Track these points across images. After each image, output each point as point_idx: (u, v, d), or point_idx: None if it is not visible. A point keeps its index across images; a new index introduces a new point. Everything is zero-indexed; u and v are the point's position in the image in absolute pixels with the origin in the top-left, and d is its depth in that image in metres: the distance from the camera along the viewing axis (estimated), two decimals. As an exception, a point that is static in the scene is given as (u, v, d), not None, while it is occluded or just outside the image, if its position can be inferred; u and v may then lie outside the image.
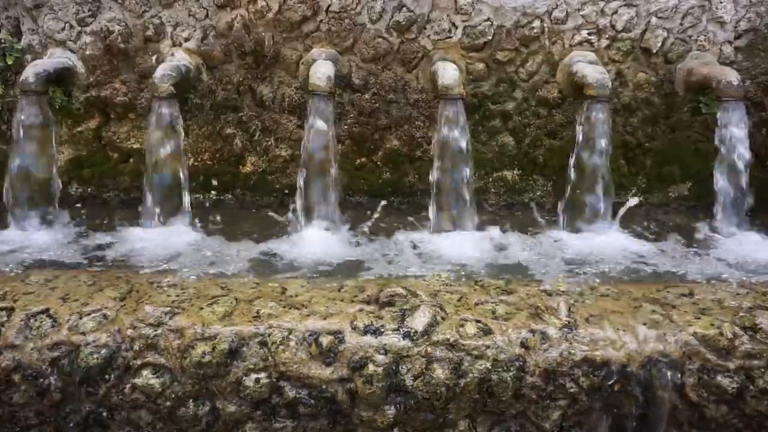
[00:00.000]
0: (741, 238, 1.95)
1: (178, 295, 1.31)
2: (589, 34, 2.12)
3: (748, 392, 1.21)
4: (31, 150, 1.97)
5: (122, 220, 2.01)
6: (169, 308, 1.26)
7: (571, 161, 1.99)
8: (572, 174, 1.99)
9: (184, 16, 2.13)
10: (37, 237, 1.92)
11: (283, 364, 1.20)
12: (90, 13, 2.13)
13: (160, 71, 1.94)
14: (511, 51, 2.13)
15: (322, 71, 1.93)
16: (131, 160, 2.24)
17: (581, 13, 2.11)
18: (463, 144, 1.93)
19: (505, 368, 1.20)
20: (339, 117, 2.13)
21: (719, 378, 1.21)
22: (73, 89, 2.18)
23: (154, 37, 2.14)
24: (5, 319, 1.25)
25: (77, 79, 2.16)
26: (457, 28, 2.11)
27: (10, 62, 2.14)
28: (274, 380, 1.20)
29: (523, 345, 1.21)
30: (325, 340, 1.21)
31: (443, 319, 1.25)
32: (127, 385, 1.21)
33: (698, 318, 1.27)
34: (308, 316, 1.25)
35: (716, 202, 1.99)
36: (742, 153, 1.93)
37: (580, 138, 1.97)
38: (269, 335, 1.22)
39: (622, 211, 1.98)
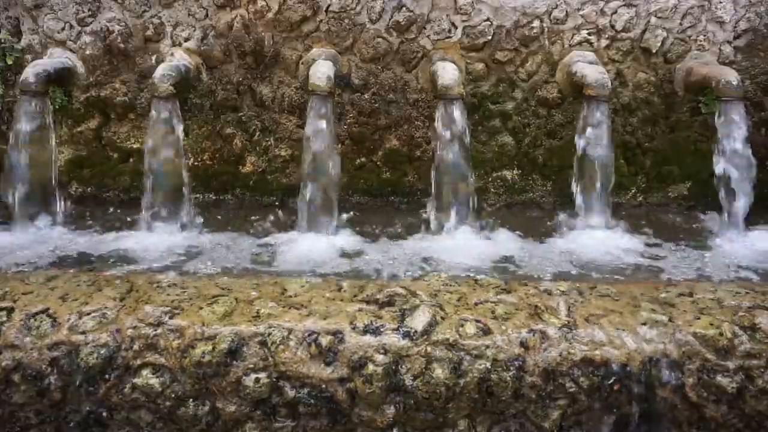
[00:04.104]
0: (739, 237, 1.95)
1: (177, 295, 1.31)
2: (588, 34, 2.12)
3: (747, 392, 1.21)
4: (31, 150, 1.97)
5: (121, 220, 2.01)
6: (168, 308, 1.26)
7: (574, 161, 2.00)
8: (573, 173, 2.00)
9: (183, 16, 2.13)
10: (38, 236, 1.92)
11: (283, 364, 1.20)
12: (90, 13, 2.13)
13: (159, 71, 1.94)
14: (511, 51, 2.14)
15: (322, 71, 1.93)
16: (131, 160, 2.25)
17: (581, 13, 2.11)
18: (463, 143, 1.93)
19: (504, 368, 1.20)
20: (339, 117, 2.14)
21: (719, 378, 1.21)
22: (73, 89, 2.18)
23: (154, 37, 2.14)
24: (5, 318, 1.25)
25: (77, 79, 2.16)
26: (456, 28, 2.12)
27: (10, 62, 2.14)
28: (274, 380, 1.20)
29: (523, 345, 1.21)
30: (325, 340, 1.21)
31: (443, 318, 1.25)
32: (127, 385, 1.21)
33: (698, 318, 1.27)
34: (308, 315, 1.25)
35: (716, 202, 1.99)
36: (742, 153, 1.93)
37: (579, 137, 1.97)
38: (269, 335, 1.22)
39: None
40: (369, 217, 2.09)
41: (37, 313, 1.26)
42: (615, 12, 2.11)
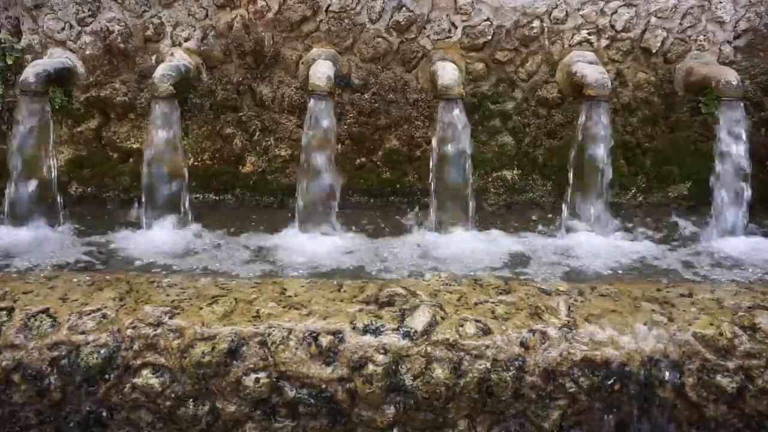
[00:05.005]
0: (739, 237, 1.95)
1: (177, 295, 1.31)
2: (588, 34, 2.12)
3: (747, 392, 1.21)
4: (31, 150, 1.97)
5: (121, 220, 2.02)
6: (168, 308, 1.27)
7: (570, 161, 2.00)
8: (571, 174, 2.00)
9: (183, 16, 2.13)
10: (37, 236, 1.92)
11: (283, 364, 1.20)
12: (90, 13, 2.13)
13: (159, 71, 1.94)
14: (511, 51, 2.13)
15: (321, 71, 1.93)
16: (131, 160, 2.24)
17: (581, 12, 2.11)
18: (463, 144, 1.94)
19: (504, 368, 1.20)
20: (339, 117, 2.13)
21: (719, 378, 1.21)
22: (73, 89, 2.18)
23: (154, 37, 2.14)
24: (5, 318, 1.25)
25: (77, 79, 2.16)
26: (456, 28, 2.12)
27: (10, 62, 2.14)
28: (274, 380, 1.20)
29: (523, 345, 1.22)
30: (325, 340, 1.21)
31: (443, 318, 1.25)
32: (127, 385, 1.21)
33: (698, 318, 1.27)
34: (308, 315, 1.25)
35: (714, 202, 1.99)
36: (741, 153, 1.93)
37: (580, 138, 1.97)
38: (269, 335, 1.22)
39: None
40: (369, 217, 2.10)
41: (37, 313, 1.26)
42: (615, 12, 2.11)
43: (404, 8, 2.09)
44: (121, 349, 1.21)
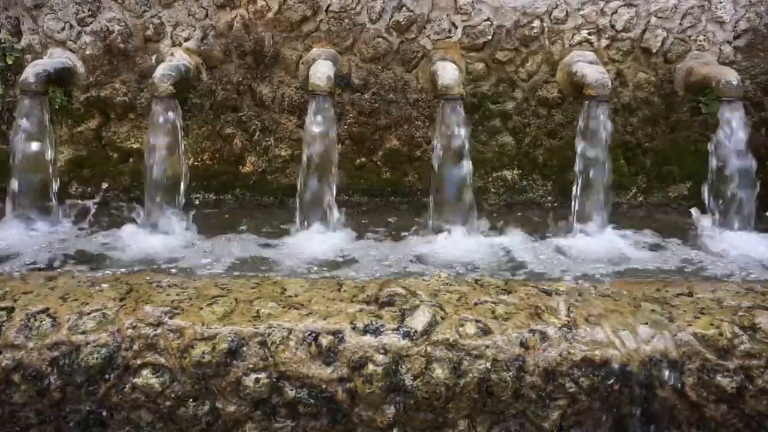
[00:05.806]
0: (738, 238, 1.95)
1: (177, 295, 1.31)
2: (588, 33, 2.12)
3: (747, 392, 1.21)
4: (32, 150, 1.97)
5: (121, 220, 2.02)
6: (168, 308, 1.26)
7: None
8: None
9: (183, 16, 2.13)
10: (37, 236, 1.92)
11: (283, 364, 1.20)
12: (90, 13, 2.13)
13: (159, 71, 1.94)
14: (511, 51, 2.14)
15: (322, 71, 1.93)
16: (131, 160, 2.25)
17: (581, 12, 2.11)
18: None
19: (504, 368, 1.20)
20: (339, 117, 2.14)
21: (719, 377, 1.21)
22: (73, 89, 2.18)
23: (154, 37, 2.14)
24: (5, 318, 1.25)
25: (77, 79, 2.16)
26: (456, 28, 2.12)
27: (10, 62, 2.14)
28: (274, 380, 1.20)
29: (523, 345, 1.21)
30: (325, 340, 1.21)
31: (443, 318, 1.25)
32: (127, 385, 1.21)
33: (698, 318, 1.27)
34: (308, 315, 1.25)
35: (714, 202, 1.99)
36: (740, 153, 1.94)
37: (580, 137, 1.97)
38: (269, 335, 1.22)
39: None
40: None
41: (37, 313, 1.26)
42: (615, 12, 2.11)
43: (404, 8, 2.09)
44: (121, 349, 1.21)
